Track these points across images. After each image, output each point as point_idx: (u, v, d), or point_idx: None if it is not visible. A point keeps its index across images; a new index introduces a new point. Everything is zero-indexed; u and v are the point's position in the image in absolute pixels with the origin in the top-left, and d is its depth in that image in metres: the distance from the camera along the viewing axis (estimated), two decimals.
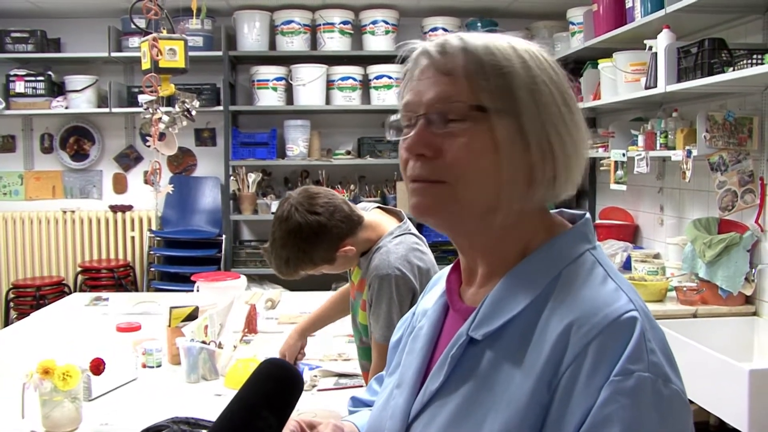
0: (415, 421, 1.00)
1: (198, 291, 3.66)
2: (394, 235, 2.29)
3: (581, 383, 0.85)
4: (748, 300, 3.69)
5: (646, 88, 3.93)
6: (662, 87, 3.68)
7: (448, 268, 1.14)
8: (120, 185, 6.42)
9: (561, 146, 0.95)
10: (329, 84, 5.99)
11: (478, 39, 0.97)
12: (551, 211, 1.06)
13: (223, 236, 5.96)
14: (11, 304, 5.99)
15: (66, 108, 5.97)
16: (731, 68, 3.27)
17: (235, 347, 2.98)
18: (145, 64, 3.28)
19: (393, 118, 1.03)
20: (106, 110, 5.93)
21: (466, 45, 0.96)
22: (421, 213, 0.98)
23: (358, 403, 1.35)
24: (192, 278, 3.90)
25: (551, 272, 0.95)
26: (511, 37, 0.99)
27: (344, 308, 2.71)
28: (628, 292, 0.92)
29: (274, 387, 0.95)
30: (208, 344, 2.75)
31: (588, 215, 1.04)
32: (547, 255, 0.97)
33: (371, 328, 2.31)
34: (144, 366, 2.85)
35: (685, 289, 3.75)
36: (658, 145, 4.08)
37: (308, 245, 2.18)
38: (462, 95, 0.94)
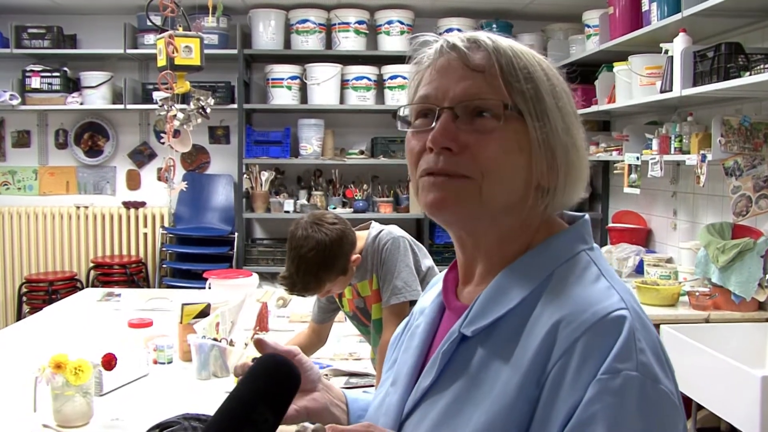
0: (408, 418, 1.01)
1: (210, 288, 3.67)
2: (376, 228, 2.60)
3: (568, 379, 0.84)
4: (761, 306, 3.66)
5: (662, 91, 3.90)
6: (678, 91, 3.66)
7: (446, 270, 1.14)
8: (133, 181, 6.44)
9: (576, 153, 0.98)
10: (343, 83, 6.00)
11: (503, 40, 0.98)
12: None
13: (236, 234, 5.97)
14: (24, 298, 6.03)
15: (81, 104, 6.02)
16: (748, 73, 3.25)
17: (246, 345, 2.98)
18: (161, 62, 3.30)
19: (406, 111, 1.03)
20: (121, 107, 5.98)
21: (496, 44, 0.97)
22: (439, 207, 0.96)
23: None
24: (204, 275, 3.93)
25: (544, 271, 0.95)
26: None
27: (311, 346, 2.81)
28: (621, 292, 0.91)
29: (271, 382, 0.96)
30: (220, 341, 2.76)
31: (587, 216, 1.04)
32: (541, 254, 0.98)
33: (384, 297, 2.47)
34: (155, 362, 2.86)
35: (697, 294, 3.73)
36: (672, 149, 4.06)
37: (333, 256, 2.36)
38: (495, 93, 0.94)
